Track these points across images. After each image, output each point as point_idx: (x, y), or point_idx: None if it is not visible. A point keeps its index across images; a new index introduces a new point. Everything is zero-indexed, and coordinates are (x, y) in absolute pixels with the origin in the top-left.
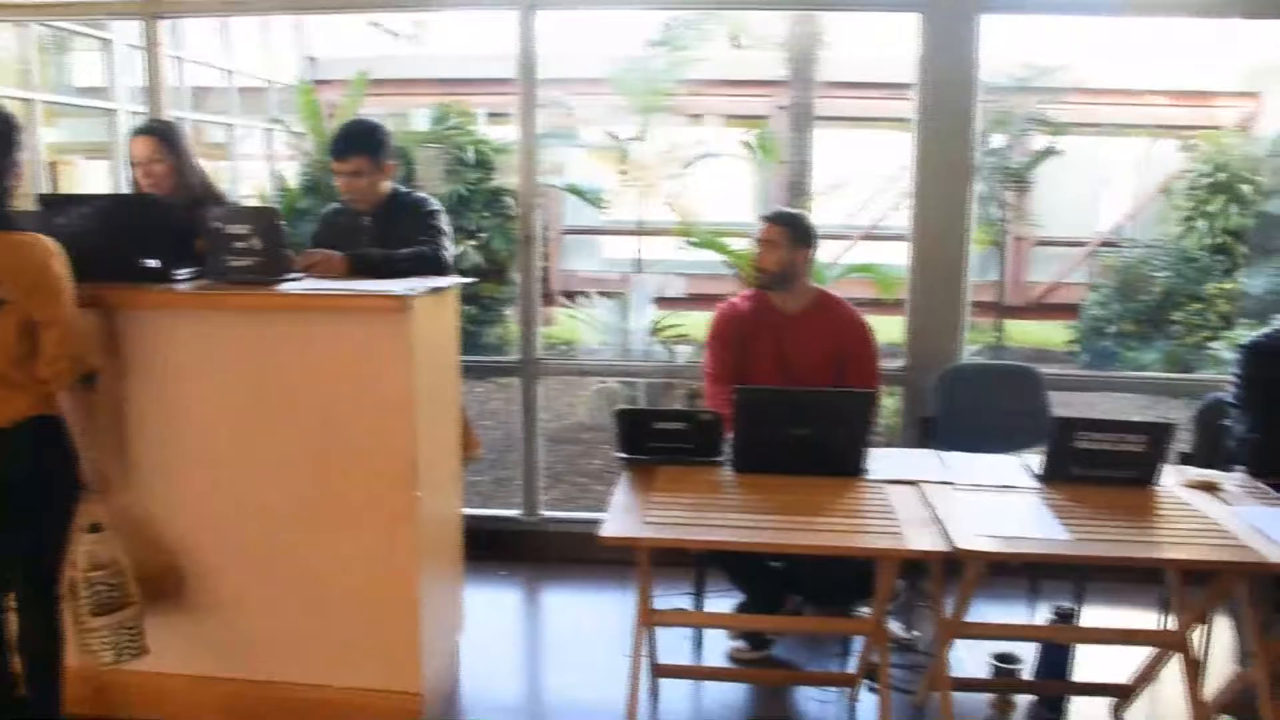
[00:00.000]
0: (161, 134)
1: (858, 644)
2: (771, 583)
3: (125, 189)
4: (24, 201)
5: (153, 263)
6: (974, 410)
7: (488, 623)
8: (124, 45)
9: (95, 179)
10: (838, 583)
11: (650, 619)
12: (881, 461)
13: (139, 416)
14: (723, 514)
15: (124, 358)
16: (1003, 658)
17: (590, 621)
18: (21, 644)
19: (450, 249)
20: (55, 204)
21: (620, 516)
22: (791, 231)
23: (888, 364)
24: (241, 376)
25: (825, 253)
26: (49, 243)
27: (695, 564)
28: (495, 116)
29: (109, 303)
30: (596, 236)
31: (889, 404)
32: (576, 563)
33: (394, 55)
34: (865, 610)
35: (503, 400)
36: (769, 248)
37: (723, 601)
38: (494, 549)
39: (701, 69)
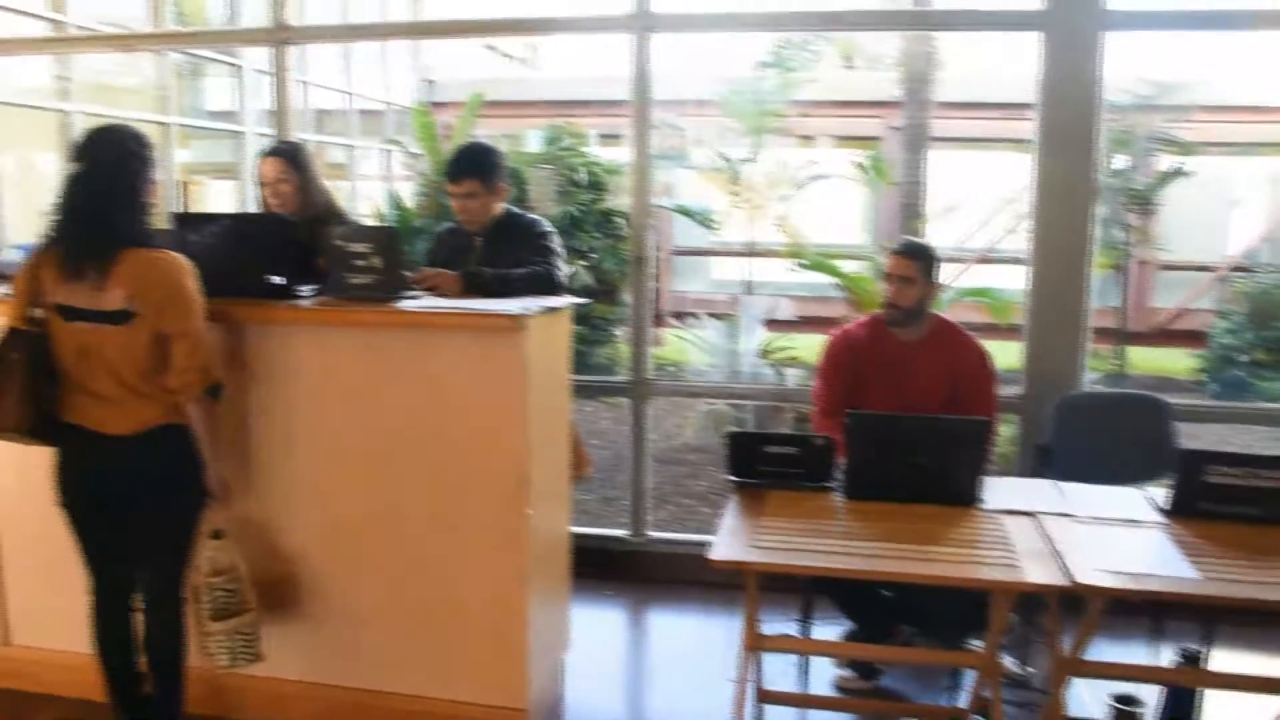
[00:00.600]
0: (289, 155)
1: (969, 678)
2: (882, 612)
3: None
4: (159, 220)
5: (278, 279)
6: (1094, 440)
7: (593, 642)
8: (253, 71)
9: (223, 198)
10: (950, 614)
11: (757, 644)
12: (997, 491)
13: (261, 428)
14: (833, 540)
15: (248, 371)
16: (1124, 699)
17: (695, 644)
18: (147, 644)
19: (563, 269)
20: (188, 222)
21: (729, 539)
22: (926, 265)
23: (1003, 391)
24: (359, 391)
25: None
26: (182, 260)
27: (803, 590)
28: (607, 138)
29: (236, 317)
30: (706, 258)
31: (1004, 432)
32: (682, 584)
33: (508, 78)
34: (978, 643)
35: (610, 420)
36: (905, 284)
37: (831, 629)
38: (600, 568)
39: (812, 90)
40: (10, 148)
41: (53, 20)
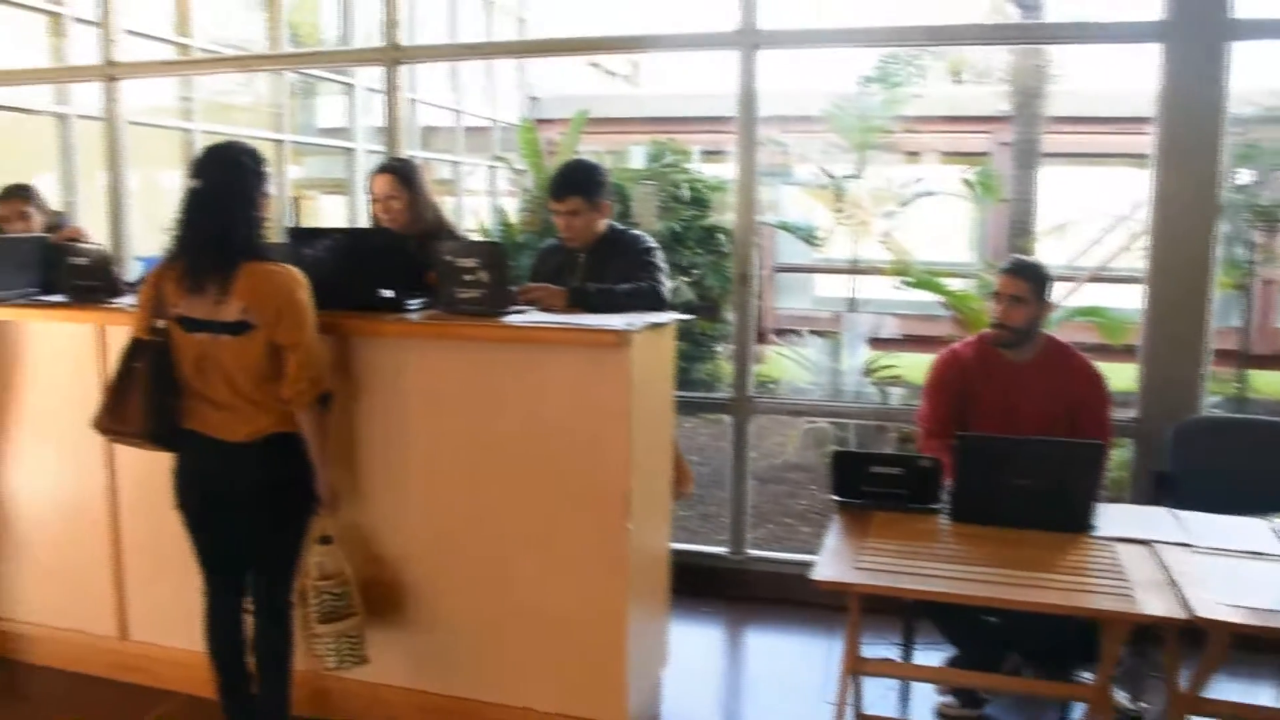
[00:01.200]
0: (400, 172)
1: (1078, 710)
2: (988, 639)
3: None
4: (273, 234)
5: (387, 293)
6: (1215, 467)
7: (691, 659)
8: (364, 89)
9: (334, 213)
10: (1059, 644)
11: (857, 667)
12: (1110, 518)
13: (369, 437)
14: (939, 564)
15: (357, 381)
16: None
17: (794, 665)
18: (256, 645)
19: (667, 285)
20: (302, 236)
21: (832, 560)
22: (1038, 286)
23: (1118, 414)
24: (465, 404)
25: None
26: (295, 272)
27: (906, 613)
28: (709, 154)
29: (346, 329)
30: (809, 274)
31: (1117, 457)
32: (782, 604)
33: (611, 94)
34: (1088, 676)
35: (709, 436)
36: (1016, 305)
37: (933, 655)
38: (699, 585)
39: (919, 105)
40: (136, 164)
41: (179, 44)
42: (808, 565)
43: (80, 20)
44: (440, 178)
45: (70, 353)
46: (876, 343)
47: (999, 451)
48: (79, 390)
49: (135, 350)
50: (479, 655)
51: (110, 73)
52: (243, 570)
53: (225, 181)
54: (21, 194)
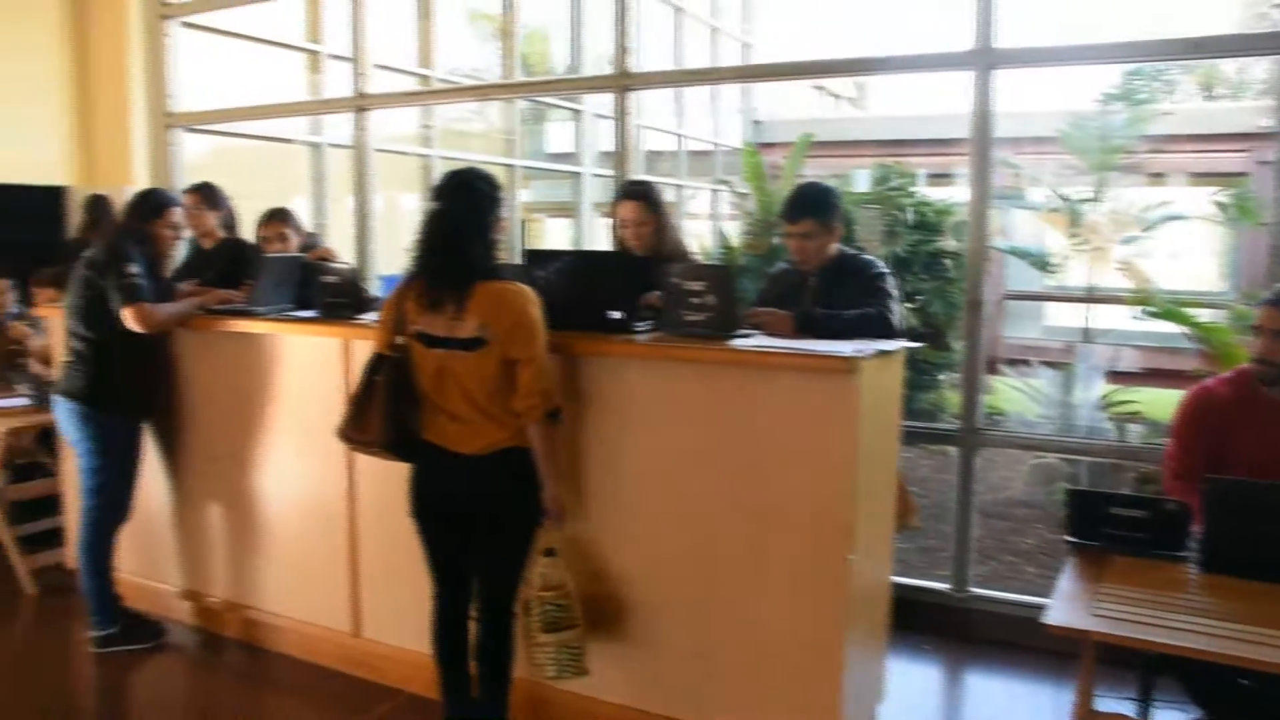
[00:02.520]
0: (648, 197)
1: None
2: (1238, 703)
3: (587, 245)
4: (506, 255)
5: (616, 314)
6: None
7: (908, 697)
8: (591, 115)
9: (559, 235)
10: None
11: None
12: None
13: (594, 455)
14: (1186, 616)
15: (584, 400)
16: None
17: (1016, 710)
18: (479, 650)
19: (897, 312)
20: (536, 258)
21: (1067, 604)
22: None
23: None
24: (689, 425)
25: None
26: (528, 291)
27: (1144, 667)
28: (936, 177)
29: (575, 349)
30: (1040, 302)
31: None
32: (1006, 646)
33: (835, 117)
34: None
35: (930, 468)
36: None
37: (1174, 716)
38: (918, 621)
39: (1166, 123)
40: (380, 189)
41: (421, 75)
42: (1036, 608)
43: (334, 56)
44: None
45: (319, 364)
46: (1114, 376)
47: (1257, 498)
48: (325, 400)
49: (377, 364)
50: (694, 677)
51: (360, 104)
52: (469, 577)
53: (463, 205)
54: (281, 217)
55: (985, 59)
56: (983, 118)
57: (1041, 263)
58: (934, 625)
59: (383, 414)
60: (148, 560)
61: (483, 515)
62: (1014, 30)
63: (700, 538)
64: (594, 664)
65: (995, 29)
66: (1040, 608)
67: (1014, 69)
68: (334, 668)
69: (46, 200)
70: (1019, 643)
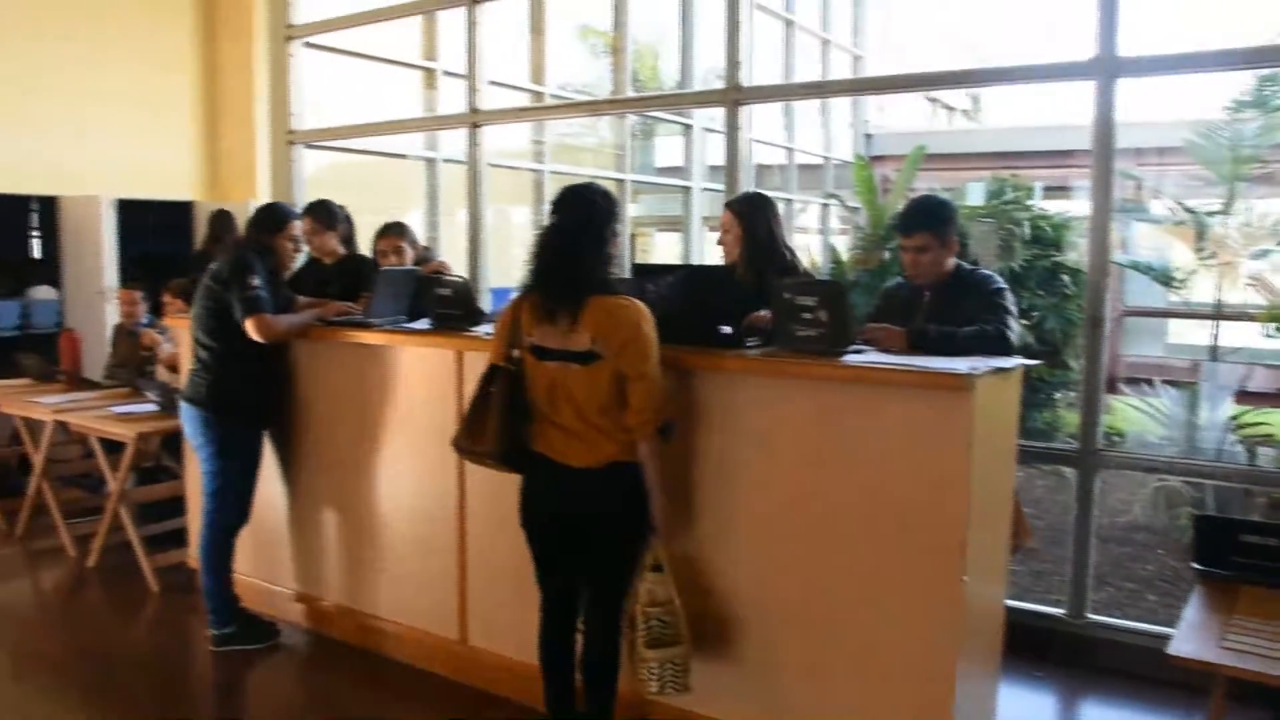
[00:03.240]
0: (748, 206)
1: None
2: None
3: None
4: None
5: (726, 329)
6: None
7: None
8: (701, 129)
9: (667, 249)
10: None
11: None
12: None
13: (703, 471)
14: None
15: (694, 416)
16: None
17: None
18: (585, 662)
19: (1015, 329)
20: (644, 272)
21: (1194, 635)
22: None
23: None
24: (798, 442)
25: None
26: (641, 306)
27: (1276, 707)
28: (1052, 190)
29: (687, 364)
30: (1162, 319)
31: None
32: (1125, 676)
33: (948, 130)
34: None
35: (1045, 489)
36: None
37: None
38: (1032, 647)
39: None
40: (491, 202)
41: (533, 91)
42: (1158, 637)
43: (449, 73)
44: None
45: (431, 375)
46: (1243, 396)
47: None
48: (437, 410)
49: (492, 376)
50: (801, 696)
51: (474, 120)
52: (577, 590)
53: (580, 218)
54: (397, 231)
55: (1108, 68)
56: (1104, 128)
57: (1165, 278)
58: (1048, 651)
59: (497, 425)
60: (264, 562)
61: (591, 528)
62: (1138, 36)
63: (810, 555)
64: (699, 679)
65: (1118, 36)
66: (1163, 638)
67: (1138, 77)
68: (442, 674)
69: (176, 214)
70: (1139, 673)
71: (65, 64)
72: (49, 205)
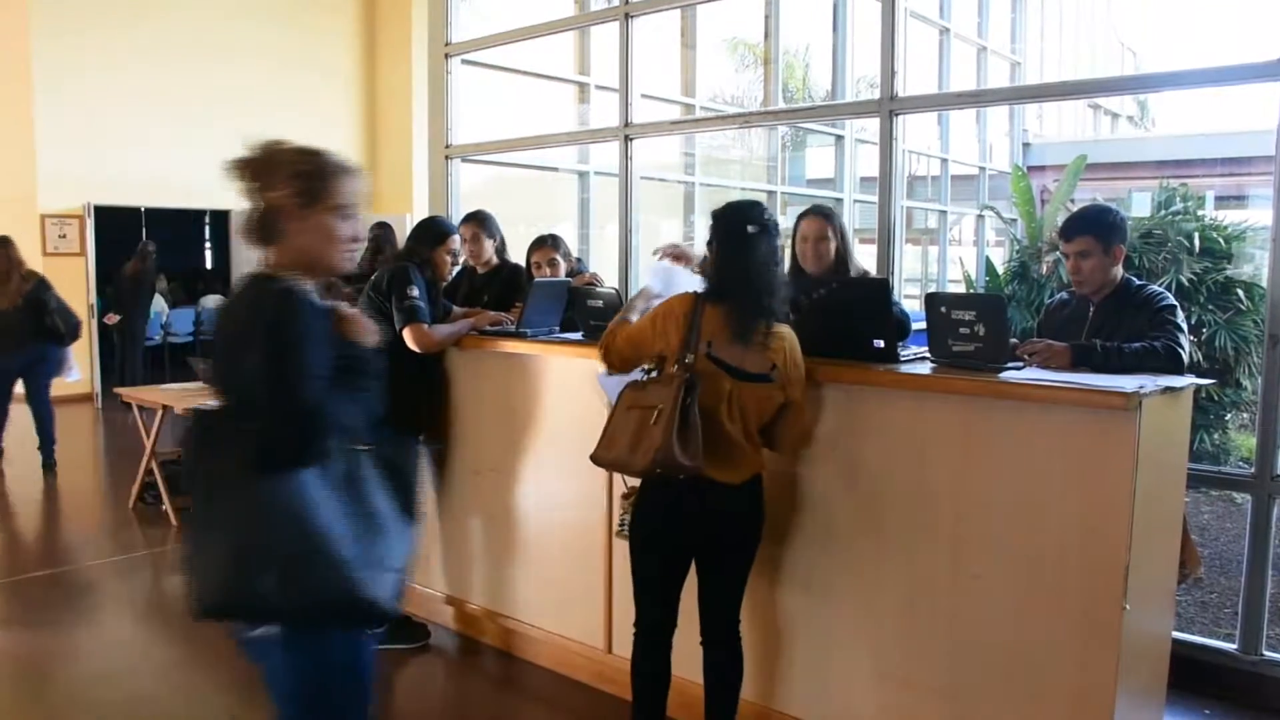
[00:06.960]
0: (829, 215)
1: None
2: None
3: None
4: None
5: (879, 343)
6: None
7: None
8: (853, 140)
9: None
10: None
11: None
12: None
13: (855, 484)
14: None
15: (847, 429)
16: None
17: None
18: (709, 674)
19: (1186, 347)
20: (799, 284)
21: None
22: None
23: None
24: (954, 458)
25: None
26: (793, 333)
27: None
28: (1225, 200)
29: (840, 378)
30: None
31: None
32: None
33: (1112, 138)
34: None
35: (1212, 514)
36: None
37: None
38: (1197, 682)
39: None
40: (641, 215)
41: (684, 104)
42: None
43: (600, 87)
44: (922, 227)
45: (582, 386)
46: None
47: None
48: (586, 420)
49: (692, 386)
50: (944, 717)
51: (626, 133)
52: (677, 601)
53: (776, 246)
54: (552, 243)
55: None
56: None
57: None
58: (1217, 688)
59: (695, 438)
60: (417, 565)
61: (734, 541)
62: None
63: (962, 574)
64: (842, 697)
65: None
66: None
67: None
68: (585, 682)
69: None
70: None
71: (238, 86)
72: (220, 219)
